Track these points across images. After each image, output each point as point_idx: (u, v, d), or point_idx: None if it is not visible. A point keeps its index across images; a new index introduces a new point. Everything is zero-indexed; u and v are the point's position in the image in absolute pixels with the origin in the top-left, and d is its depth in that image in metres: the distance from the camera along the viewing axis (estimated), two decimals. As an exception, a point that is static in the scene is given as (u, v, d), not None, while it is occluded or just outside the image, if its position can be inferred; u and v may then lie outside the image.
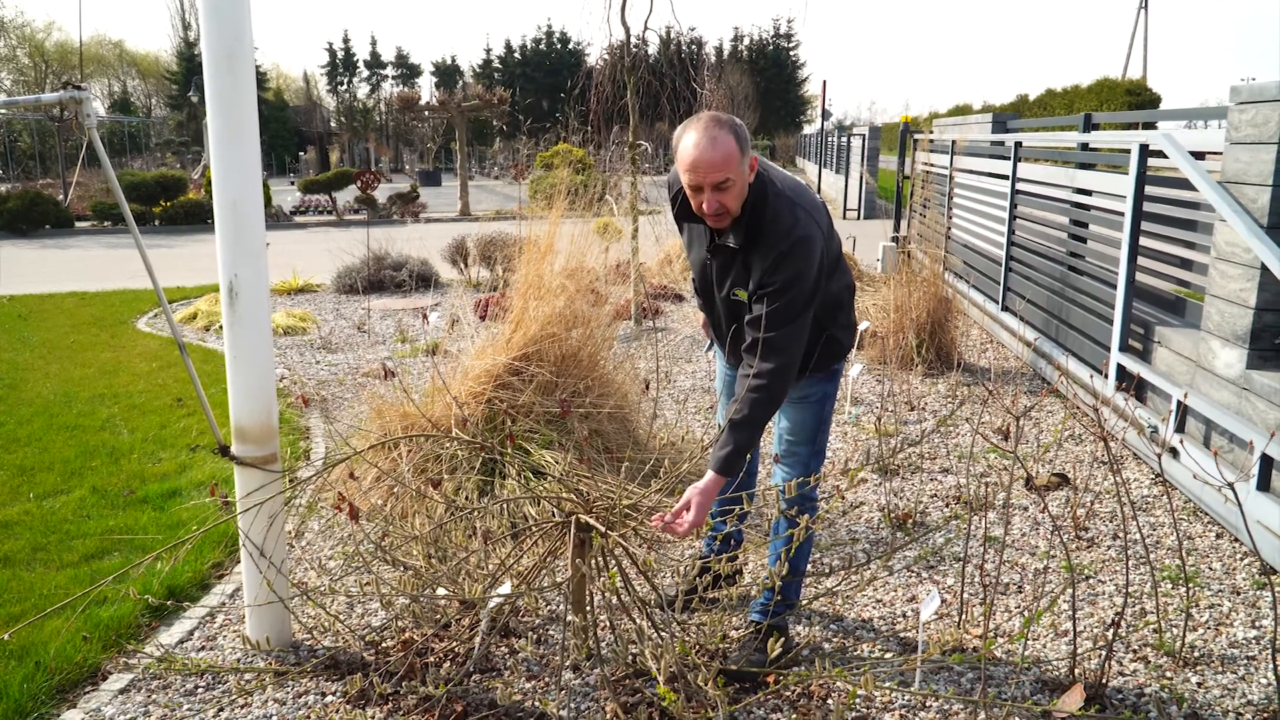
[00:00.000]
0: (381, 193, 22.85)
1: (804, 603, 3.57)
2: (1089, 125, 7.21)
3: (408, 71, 57.50)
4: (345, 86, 57.19)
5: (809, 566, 3.80)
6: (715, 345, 3.35)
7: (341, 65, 56.62)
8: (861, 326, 7.17)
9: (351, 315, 9.48)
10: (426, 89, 55.95)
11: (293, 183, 31.13)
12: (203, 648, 3.38)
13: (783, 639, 2.82)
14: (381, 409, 4.72)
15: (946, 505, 4.53)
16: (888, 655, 3.24)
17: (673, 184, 2.98)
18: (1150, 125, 9.57)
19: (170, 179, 20.72)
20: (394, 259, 11.18)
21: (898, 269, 7.66)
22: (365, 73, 57.16)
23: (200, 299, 9.83)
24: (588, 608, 3.03)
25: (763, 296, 2.71)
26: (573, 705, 2.94)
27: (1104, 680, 2.98)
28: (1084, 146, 6.97)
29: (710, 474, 2.76)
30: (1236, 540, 4.10)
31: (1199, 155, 5.32)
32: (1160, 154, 5.26)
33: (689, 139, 2.65)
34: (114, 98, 53.47)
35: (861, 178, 20.45)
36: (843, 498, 4.52)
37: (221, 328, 3.19)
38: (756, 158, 2.74)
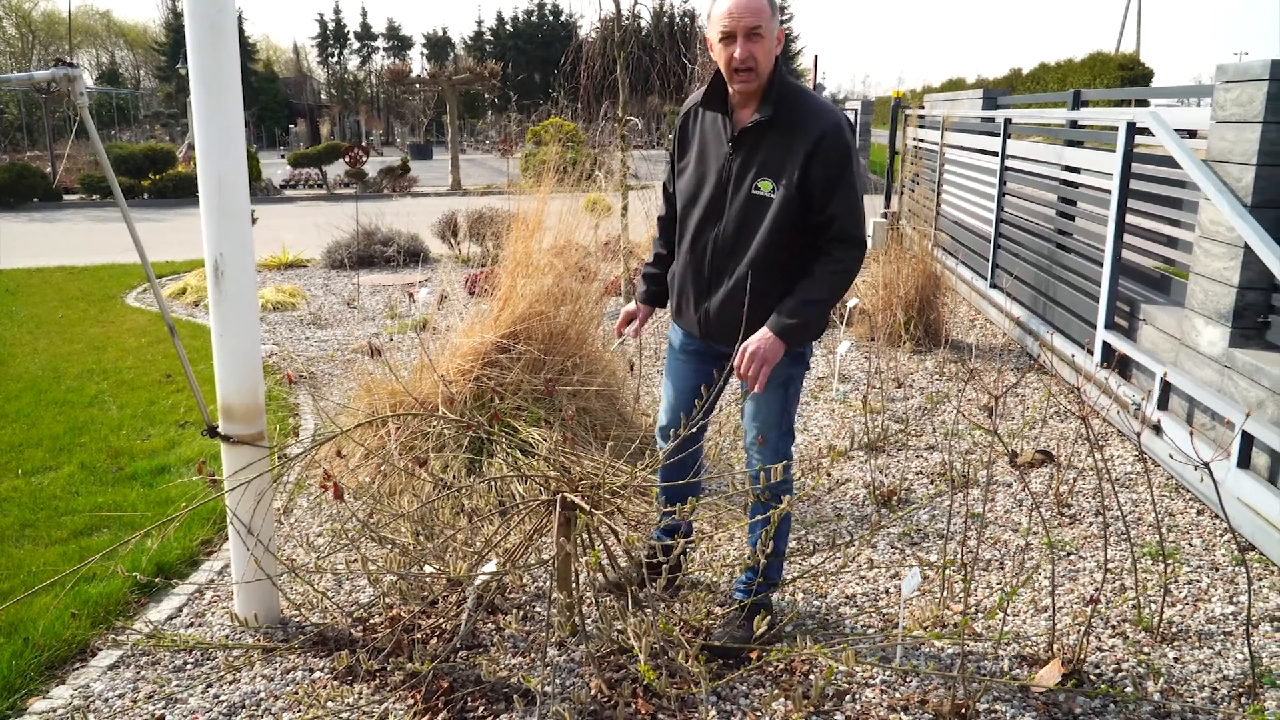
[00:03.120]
0: (372, 166, 22.73)
1: (788, 580, 3.60)
2: (1078, 102, 7.21)
3: (399, 43, 57.07)
4: (336, 58, 56.76)
5: (793, 543, 3.83)
6: (677, 317, 3.18)
7: (332, 36, 56.16)
8: (850, 303, 7.18)
9: (341, 291, 9.46)
10: (417, 61, 55.63)
11: (283, 156, 30.94)
12: (191, 624, 3.40)
13: (767, 616, 2.86)
14: (370, 386, 4.72)
15: (931, 482, 4.56)
16: (870, 631, 3.28)
17: (685, 110, 3.01)
18: (1141, 103, 9.57)
19: (158, 152, 20.60)
20: (384, 234, 11.15)
21: (887, 246, 7.67)
22: (356, 44, 56.72)
23: (189, 274, 9.80)
24: (573, 585, 3.06)
25: (822, 178, 2.66)
26: (557, 681, 2.97)
27: (1082, 655, 3.03)
28: (1073, 124, 6.97)
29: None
30: (1217, 517, 4.15)
31: (1188, 133, 5.34)
32: (1148, 132, 5.27)
33: None
34: (102, 69, 52.97)
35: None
36: (828, 474, 4.55)
37: (209, 303, 3.19)
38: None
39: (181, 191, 19.31)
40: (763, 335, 2.74)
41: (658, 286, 3.25)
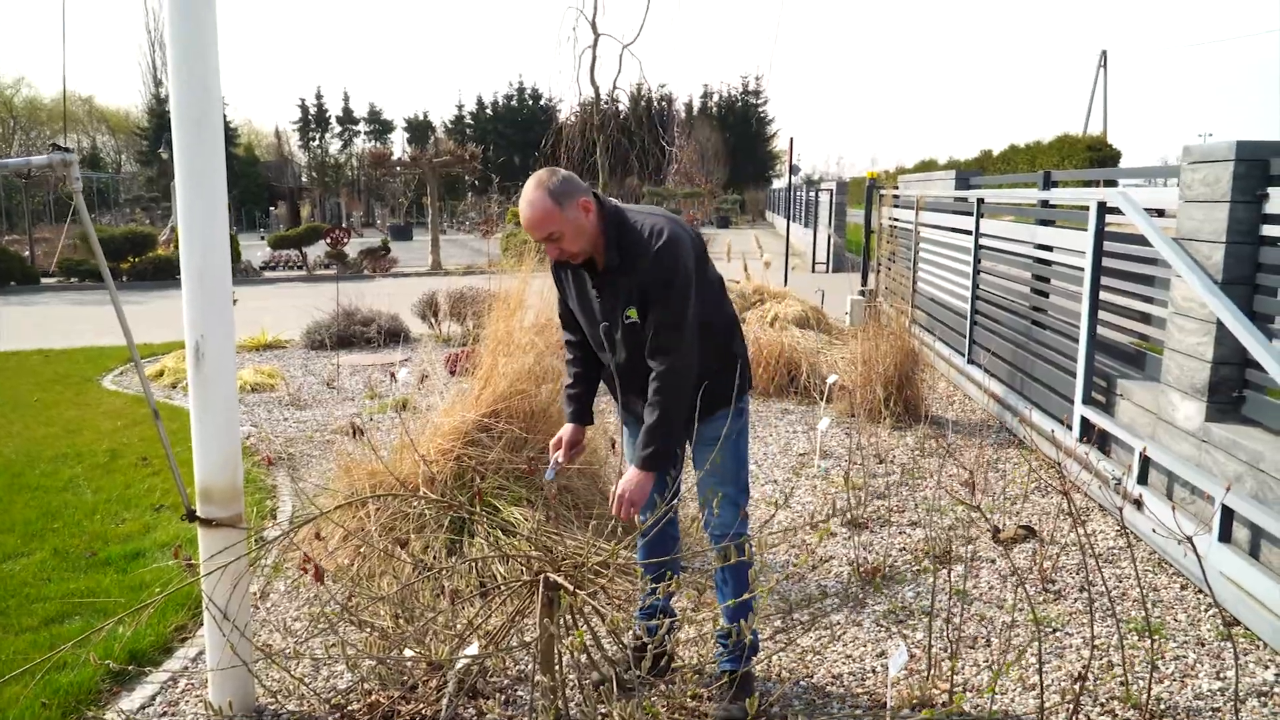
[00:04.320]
0: (352, 247, 22.86)
1: (774, 659, 3.57)
2: (1049, 183, 7.38)
3: (380, 127, 57.83)
4: (317, 142, 57.40)
5: (778, 622, 3.81)
6: (618, 408, 3.43)
7: (314, 120, 56.87)
8: (830, 379, 7.23)
9: (320, 371, 9.45)
10: (399, 144, 56.28)
11: (263, 238, 31.10)
12: (164, 713, 3.33)
13: (756, 695, 2.85)
14: (349, 467, 4.69)
15: (915, 559, 4.55)
16: (857, 712, 3.24)
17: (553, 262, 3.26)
18: (1109, 183, 9.79)
19: (139, 235, 20.67)
20: (364, 314, 11.17)
21: (865, 322, 7.75)
22: (337, 128, 57.42)
23: (167, 356, 9.76)
24: (556, 667, 3.02)
25: (650, 301, 2.93)
26: (541, 768, 2.91)
27: (1071, 734, 3.00)
28: (1044, 204, 7.12)
29: (636, 471, 2.99)
30: (1201, 592, 4.15)
31: (1157, 212, 5.46)
32: (1118, 211, 5.39)
33: (519, 204, 2.99)
34: (83, 154, 53.33)
35: (830, 234, 20.72)
36: (812, 553, 4.54)
37: (188, 385, 3.19)
38: (588, 200, 2.97)
39: (161, 274, 19.33)
40: (629, 476, 3.03)
41: (582, 405, 3.38)
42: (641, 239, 2.97)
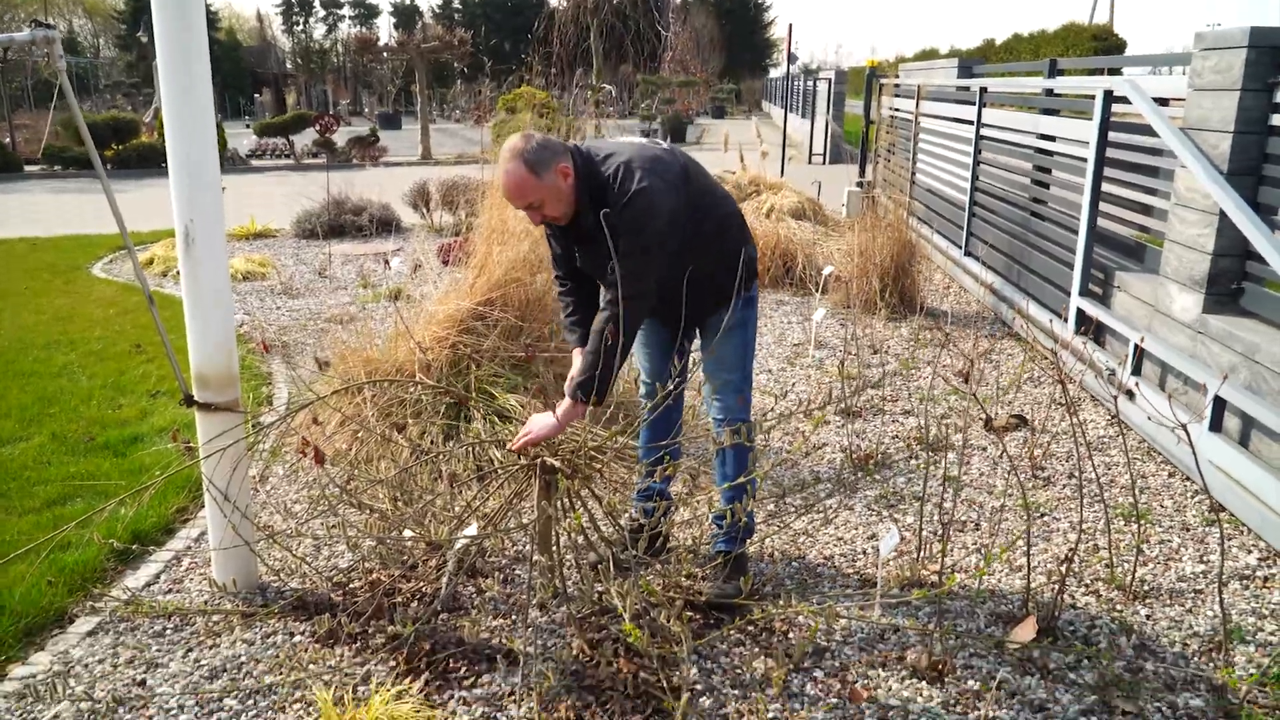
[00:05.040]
0: (340, 136, 22.49)
1: (767, 542, 3.65)
2: (1054, 71, 7.25)
3: (365, 11, 56.32)
4: (301, 27, 55.99)
5: (770, 506, 3.89)
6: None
7: (296, 4, 55.35)
8: (825, 271, 7.23)
9: (312, 261, 9.40)
10: (385, 30, 54.97)
11: (248, 125, 30.55)
12: (169, 591, 3.41)
13: (747, 565, 2.93)
14: (344, 354, 4.71)
15: (907, 446, 4.62)
16: (848, 591, 3.33)
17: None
18: (1115, 71, 9.63)
19: (122, 121, 20.27)
20: (354, 203, 11.06)
21: (862, 214, 7.71)
22: (321, 12, 55.94)
23: (156, 244, 9.68)
24: (554, 548, 3.09)
25: (618, 248, 2.89)
26: (539, 642, 3.00)
27: (1056, 613, 3.10)
28: (1049, 92, 7.01)
29: (566, 400, 2.99)
30: (1188, 479, 4.23)
31: (1163, 101, 5.39)
32: (1124, 100, 5.32)
33: (497, 173, 3.00)
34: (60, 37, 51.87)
35: (827, 125, 20.42)
36: (805, 439, 4.60)
37: (179, 273, 3.18)
38: (566, 164, 2.92)
39: (146, 162, 19.04)
40: (560, 409, 3.01)
41: (587, 328, 3.32)
42: (612, 192, 2.91)
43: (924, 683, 2.81)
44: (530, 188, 2.89)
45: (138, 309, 7.44)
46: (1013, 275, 6.98)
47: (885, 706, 2.72)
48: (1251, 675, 2.85)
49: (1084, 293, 5.61)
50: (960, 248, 8.23)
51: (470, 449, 4.15)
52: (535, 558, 3.08)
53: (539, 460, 3.04)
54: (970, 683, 2.82)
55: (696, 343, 3.40)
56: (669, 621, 2.73)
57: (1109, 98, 5.47)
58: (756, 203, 9.76)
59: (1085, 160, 5.64)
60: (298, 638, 3.06)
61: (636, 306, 2.95)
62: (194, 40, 2.94)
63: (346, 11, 56.18)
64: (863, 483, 4.21)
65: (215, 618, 3.19)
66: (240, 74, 46.84)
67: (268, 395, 5.40)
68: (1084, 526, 3.76)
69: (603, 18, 8.94)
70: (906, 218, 7.38)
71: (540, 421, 3.03)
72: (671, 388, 3.13)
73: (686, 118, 27.48)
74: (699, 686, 2.81)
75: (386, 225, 10.87)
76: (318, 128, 21.46)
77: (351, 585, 3.33)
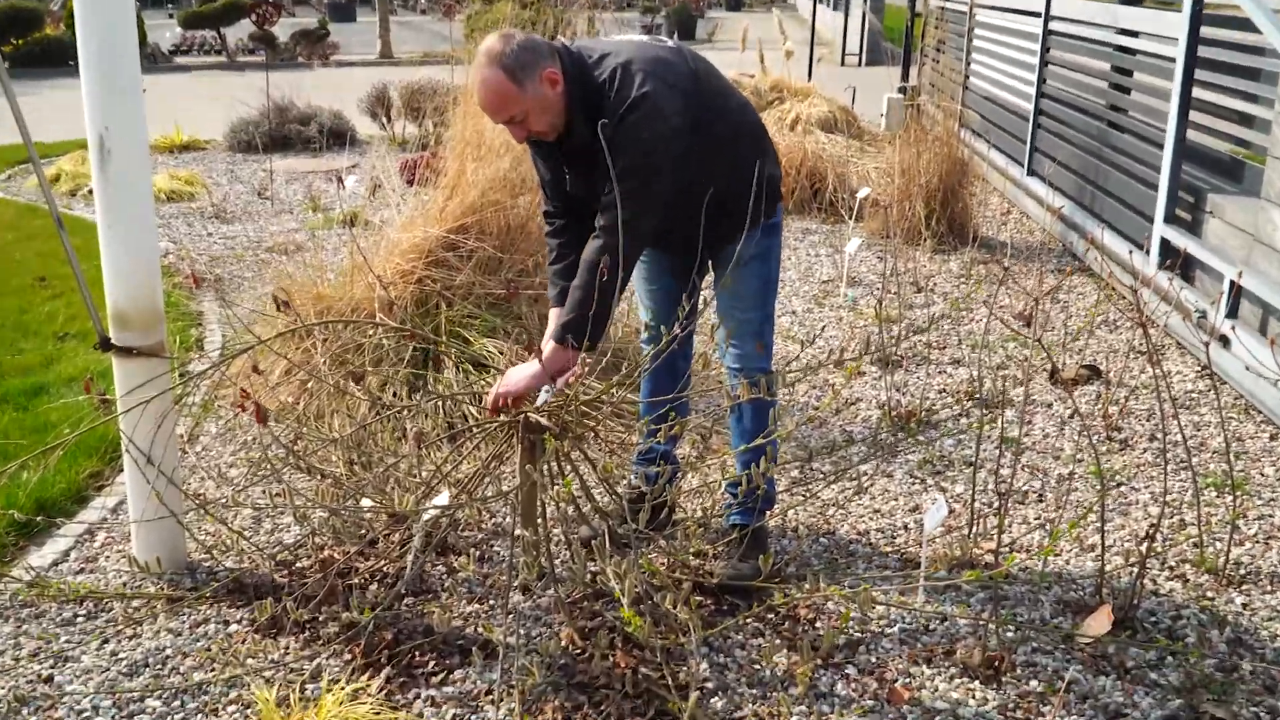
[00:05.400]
0: (282, 29, 22.24)
1: (790, 514, 3.64)
2: (1138, -49, 7.13)
3: (312, -121, 55.49)
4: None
5: (796, 473, 3.87)
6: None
7: None
8: (861, 193, 7.16)
9: (250, 178, 9.32)
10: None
11: (171, 15, 30.16)
12: (81, 570, 3.39)
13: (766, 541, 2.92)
14: (290, 291, 4.67)
15: (957, 402, 4.60)
16: (886, 573, 3.32)
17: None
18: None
19: (23, 12, 19.99)
20: (301, 111, 10.97)
21: (905, 126, 7.62)
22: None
23: (63, 158, 9.59)
24: (539, 520, 3.07)
25: (614, 156, 2.84)
26: (522, 631, 2.99)
27: (1135, 601, 3.08)
28: (1131, -23, 6.90)
29: (552, 345, 2.98)
30: (1290, 442, 4.21)
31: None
32: (1221, -14, 5.22)
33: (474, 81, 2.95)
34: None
35: (864, 16, 20.19)
36: (836, 394, 4.57)
37: (91, 192, 3.12)
38: (553, 69, 2.85)
39: (53, 59, 18.81)
40: (540, 361, 2.96)
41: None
42: (608, 100, 2.85)
43: (976, 682, 2.80)
44: (511, 98, 2.83)
45: (42, 234, 7.38)
46: (1085, 199, 6.91)
47: (930, 710, 2.71)
48: (1364, 674, 2.84)
49: (1169, 219, 5.55)
50: (1022, 166, 8.15)
51: (440, 403, 4.13)
52: (517, 532, 3.06)
53: (522, 417, 3.01)
54: (1032, 683, 2.81)
55: (708, 279, 3.35)
56: (675, 607, 2.71)
57: (1205, -15, 5.36)
58: (779, 112, 9.66)
59: (1173, 60, 5.55)
60: (234, 627, 3.05)
61: (637, 234, 2.91)
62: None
63: (289, -120, 55.35)
64: (904, 445, 4.19)
65: (136, 603, 3.17)
66: (163, -45, 46.21)
67: (198, 338, 5.37)
68: (1168, 498, 3.74)
69: (597, -114, 8.76)
70: (958, 130, 7.30)
71: (521, 372, 2.99)
72: (678, 332, 3.08)
73: (696, 10, 27.19)
74: (710, 684, 2.79)
75: (339, 137, 10.77)
76: (255, 18, 21.21)
77: (298, 564, 3.31)
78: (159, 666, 2.89)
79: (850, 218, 7.34)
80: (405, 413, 4.04)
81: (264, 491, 3.77)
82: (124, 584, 3.29)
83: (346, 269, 4.86)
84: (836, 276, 6.39)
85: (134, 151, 3.06)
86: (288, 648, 2.93)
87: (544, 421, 2.99)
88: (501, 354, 4.30)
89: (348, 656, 2.87)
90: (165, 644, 2.98)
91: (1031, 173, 7.98)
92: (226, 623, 3.07)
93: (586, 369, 3.29)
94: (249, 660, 2.88)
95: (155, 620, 3.09)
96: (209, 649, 2.94)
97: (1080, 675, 2.84)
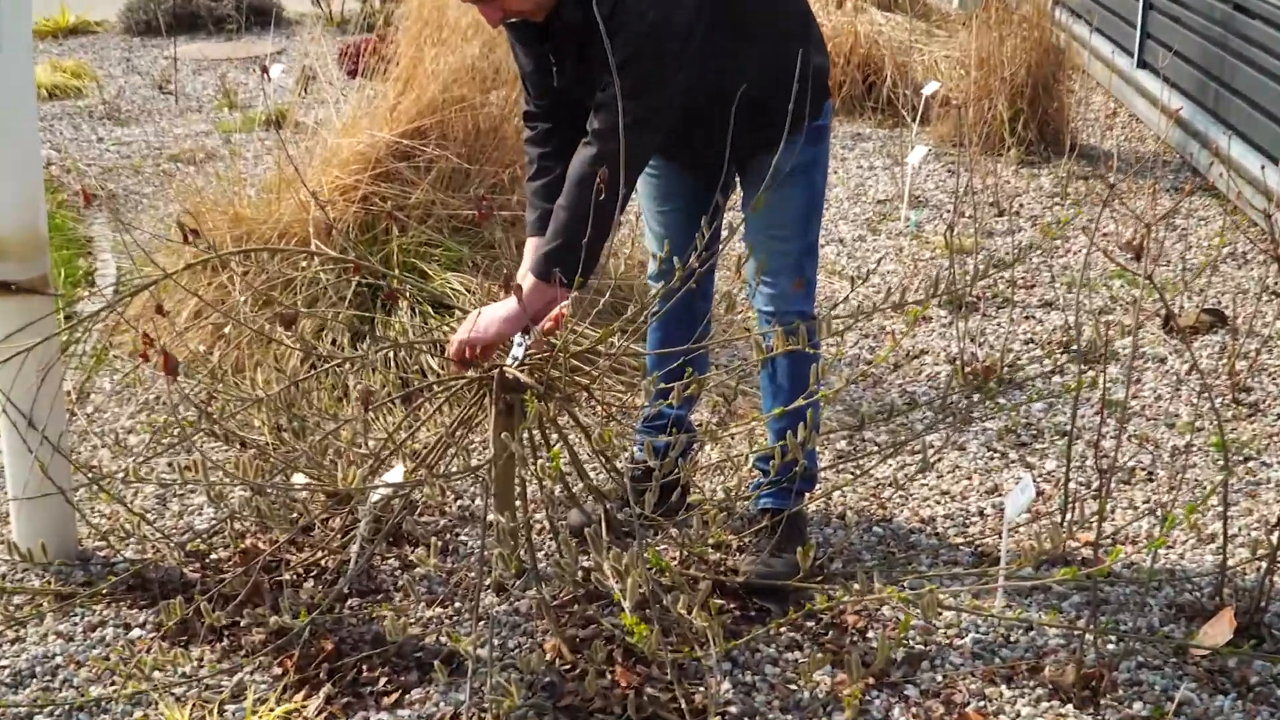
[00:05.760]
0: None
1: (836, 497, 3.64)
2: None
3: None
4: None
5: (842, 443, 3.88)
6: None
7: None
8: (927, 89, 7.10)
9: (150, 69, 9.28)
10: None
11: None
12: (-54, 560, 3.41)
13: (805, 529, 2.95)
14: (201, 211, 4.66)
15: (1048, 355, 4.60)
16: (957, 570, 3.33)
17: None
18: None
19: None
20: (214, -18, 10.90)
21: (983, 3, 7.55)
22: None
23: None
24: (518, 503, 3.07)
25: (613, 40, 2.80)
26: (496, 642, 3.00)
27: (1263, 603, 3.09)
28: None
29: (531, 280, 2.98)
30: None
31: None
32: None
33: None
34: None
35: None
36: (895, 344, 4.57)
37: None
38: None
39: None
40: (519, 300, 2.95)
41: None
42: None
43: (1069, 706, 2.82)
44: None
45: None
46: (1209, 99, 6.87)
47: (1010, 740, 2.74)
48: None
49: (1319, 125, 5.52)
50: (1131, 56, 8.09)
51: (392, 355, 4.12)
52: (490, 517, 3.06)
53: (496, 373, 3.00)
54: (1135, 706, 2.83)
55: (734, 198, 3.34)
56: (690, 613, 2.72)
57: None
58: (824, -16, 9.58)
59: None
60: (137, 631, 3.07)
61: (642, 140, 2.89)
62: None
63: None
64: (980, 409, 4.18)
65: (17, 600, 3.19)
66: None
67: (88, 271, 5.37)
68: (1310, 476, 3.76)
69: None
70: (1051, 8, 7.24)
71: (493, 314, 2.98)
72: (696, 265, 3.06)
73: None
74: (734, 709, 2.81)
75: (261, 15, 10.69)
76: None
77: (215, 556, 3.34)
78: (48, 678, 2.92)
79: (914, 120, 7.28)
80: (347, 366, 4.03)
81: (171, 464, 3.78)
82: (3, 576, 3.31)
83: (272, 183, 4.84)
84: (896, 195, 6.37)
85: (12, 35, 3.04)
86: (203, 658, 2.95)
87: (524, 378, 2.99)
88: (469, 292, 4.30)
89: (278, 670, 2.90)
90: (55, 650, 3.00)
91: (1143, 65, 7.92)
92: (128, 626, 3.09)
93: (575, 312, 3.29)
94: (156, 673, 2.89)
95: (42, 621, 3.11)
96: (107, 658, 2.96)
97: (1194, 695, 2.86)
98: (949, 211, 6.08)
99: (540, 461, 3.05)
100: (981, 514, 3.62)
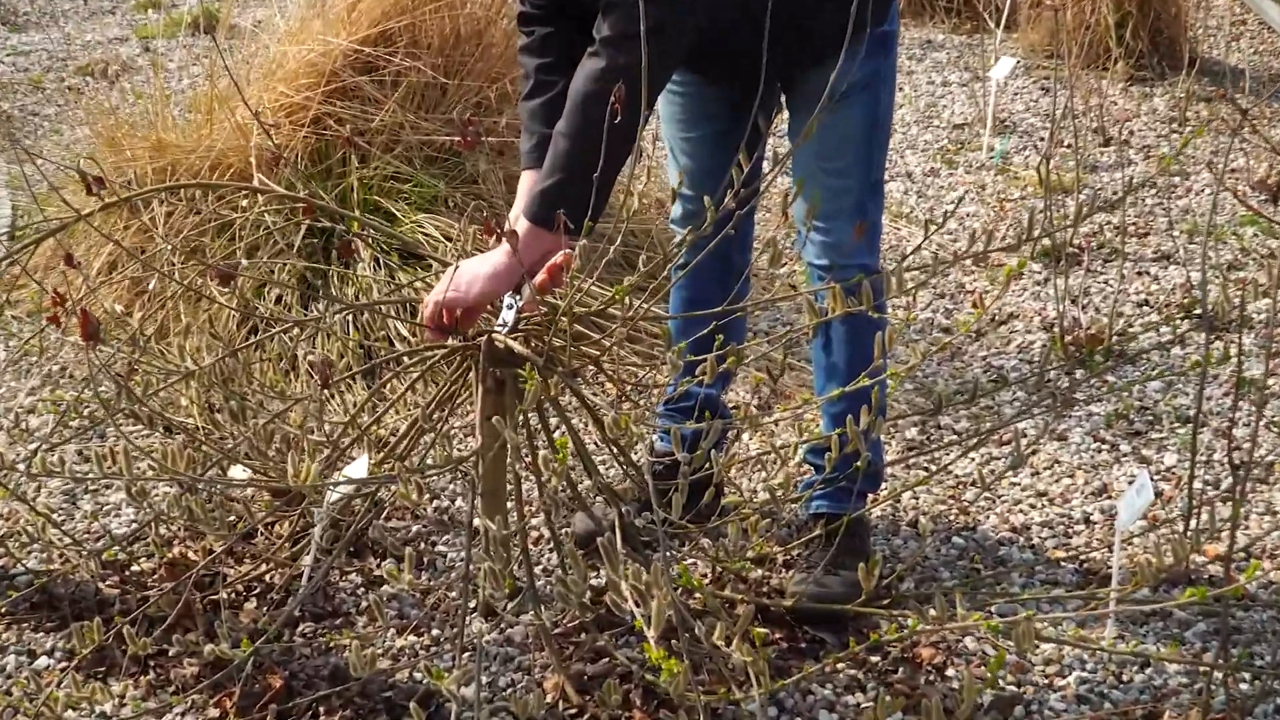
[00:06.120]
0: None
1: (906, 499, 3.62)
2: None
3: None
4: None
5: (913, 433, 3.87)
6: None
7: None
8: (1017, -12, 7.08)
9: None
10: None
11: None
12: None
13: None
14: (116, 136, 4.64)
15: (1167, 321, 4.57)
16: (1058, 592, 3.31)
17: None
18: None
19: None
20: None
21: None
22: None
23: None
24: (511, 505, 3.05)
25: None
26: (484, 679, 3.00)
27: None
28: None
29: (523, 222, 2.96)
30: None
31: None
32: None
33: None
34: None
35: None
36: (978, 305, 4.55)
37: None
38: None
39: None
40: (510, 249, 2.85)
41: None
42: None
43: (1195, 760, 2.81)
44: None
45: None
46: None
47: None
48: None
49: None
50: (1268, -55, 8.05)
51: (353, 316, 4.11)
52: (476, 523, 3.04)
53: (484, 341, 2.97)
54: (1277, 760, 2.82)
55: (779, 123, 3.31)
56: (728, 645, 2.70)
57: None
58: None
59: None
60: (43, 660, 3.07)
61: (664, 48, 2.82)
62: None
63: None
64: (1084, 389, 4.17)
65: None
66: None
67: (-26, 211, 5.36)
68: None
69: None
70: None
71: (477, 268, 2.94)
72: (732, 205, 3.02)
73: None
74: (781, 764, 2.81)
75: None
76: None
77: (137, 567, 3.33)
78: (-70, 717, 2.92)
79: (998, 24, 7.25)
80: (297, 331, 4.01)
81: (82, 452, 3.76)
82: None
83: (201, 102, 4.83)
84: (976, 119, 6.36)
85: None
86: (124, 695, 2.95)
87: (518, 348, 2.96)
88: (447, 239, 4.26)
89: (214, 712, 2.89)
90: (-62, 684, 3.01)
91: (1283, -43, 7.88)
92: (32, 653, 3.09)
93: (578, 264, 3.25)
94: (69, 712, 2.88)
95: (-76, 647, 3.12)
96: (9, 692, 2.96)
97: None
98: (1042, 140, 6.06)
99: (540, 453, 3.03)
100: (1087, 521, 3.60)
